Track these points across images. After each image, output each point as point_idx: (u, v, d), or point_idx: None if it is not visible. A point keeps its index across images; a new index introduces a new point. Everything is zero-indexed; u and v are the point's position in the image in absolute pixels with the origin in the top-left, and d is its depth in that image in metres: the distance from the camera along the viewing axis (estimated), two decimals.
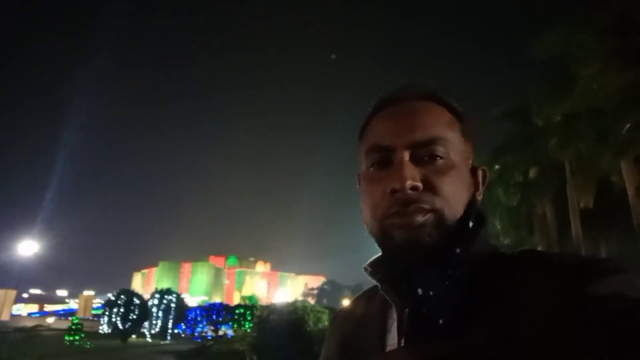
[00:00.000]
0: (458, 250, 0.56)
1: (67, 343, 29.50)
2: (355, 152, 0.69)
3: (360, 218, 0.64)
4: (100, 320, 44.10)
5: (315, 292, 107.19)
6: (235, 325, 40.03)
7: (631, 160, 10.47)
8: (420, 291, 0.56)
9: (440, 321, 0.53)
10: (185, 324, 46.27)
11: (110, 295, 42.07)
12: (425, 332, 0.54)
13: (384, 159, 0.60)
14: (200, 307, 50.34)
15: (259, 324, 17.03)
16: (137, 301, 39.50)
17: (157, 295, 43.68)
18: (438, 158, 0.58)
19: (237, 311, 43.77)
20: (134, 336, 39.68)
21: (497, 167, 14.48)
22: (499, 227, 16.09)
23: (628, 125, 9.79)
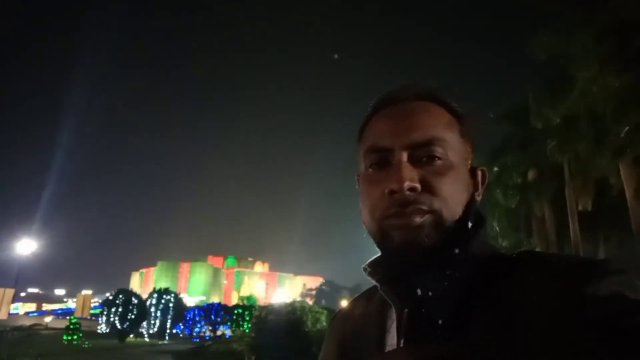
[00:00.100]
0: (457, 251, 0.56)
1: (65, 342, 29.35)
2: (354, 153, 0.69)
3: (359, 218, 0.64)
4: (98, 320, 43.91)
5: (313, 292, 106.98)
6: (234, 326, 39.93)
7: (630, 162, 10.48)
8: (419, 292, 0.56)
9: (440, 322, 0.53)
10: (183, 324, 46.15)
11: (108, 295, 41.96)
12: (425, 332, 0.54)
13: (382, 160, 0.60)
14: (198, 307, 50.19)
15: (257, 324, 17.05)
16: (135, 301, 39.34)
17: (155, 295, 43.57)
18: (436, 159, 0.58)
19: (235, 311, 43.62)
20: (132, 336, 39.60)
21: (495, 168, 14.50)
22: (497, 228, 16.13)
23: (627, 128, 9.81)
